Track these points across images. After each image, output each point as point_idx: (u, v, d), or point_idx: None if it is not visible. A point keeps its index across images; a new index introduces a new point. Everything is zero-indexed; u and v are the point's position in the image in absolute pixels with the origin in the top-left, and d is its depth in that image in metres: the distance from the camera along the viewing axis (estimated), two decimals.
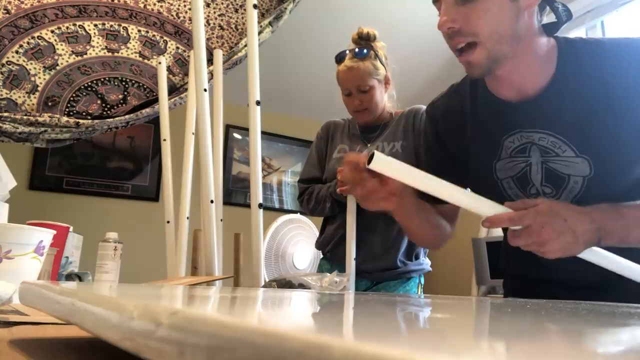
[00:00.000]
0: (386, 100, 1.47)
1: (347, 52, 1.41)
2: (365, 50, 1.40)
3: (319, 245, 1.55)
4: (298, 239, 2.22)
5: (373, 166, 0.71)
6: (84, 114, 1.98)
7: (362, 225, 1.36)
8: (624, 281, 0.80)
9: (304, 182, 1.56)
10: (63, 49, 1.93)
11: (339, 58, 1.43)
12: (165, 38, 2.10)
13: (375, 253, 1.40)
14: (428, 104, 1.03)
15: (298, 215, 2.37)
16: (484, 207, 0.75)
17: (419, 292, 1.49)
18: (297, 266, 2.14)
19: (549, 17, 0.85)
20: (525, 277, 0.97)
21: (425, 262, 1.47)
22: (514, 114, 0.84)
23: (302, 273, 1.11)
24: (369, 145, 1.46)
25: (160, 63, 1.71)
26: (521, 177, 0.86)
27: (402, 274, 1.42)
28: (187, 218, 1.52)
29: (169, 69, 2.08)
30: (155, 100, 2.00)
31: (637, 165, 0.79)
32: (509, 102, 0.84)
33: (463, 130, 0.93)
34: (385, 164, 0.72)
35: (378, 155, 0.71)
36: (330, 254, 1.49)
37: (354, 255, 1.39)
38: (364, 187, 0.82)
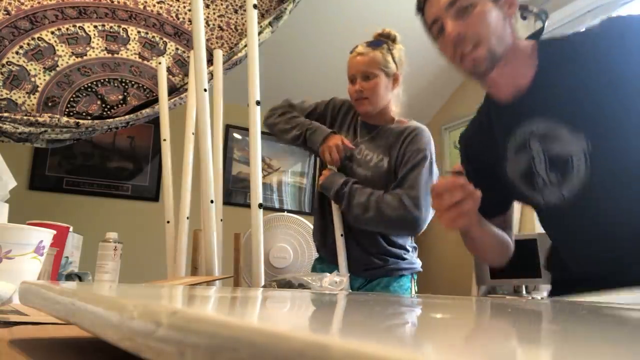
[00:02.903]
0: (391, 99, 1.44)
1: (364, 42, 1.42)
2: (379, 42, 1.41)
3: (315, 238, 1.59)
4: (281, 237, 2.20)
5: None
6: (84, 114, 1.98)
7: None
8: None
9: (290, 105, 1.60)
10: (63, 50, 1.93)
11: (353, 48, 1.43)
12: (164, 39, 2.10)
13: (356, 256, 1.42)
14: (461, 133, 1.10)
15: (287, 214, 2.34)
16: None
17: (413, 291, 1.49)
18: (275, 265, 2.12)
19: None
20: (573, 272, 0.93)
21: (417, 262, 1.47)
22: (510, 112, 0.91)
23: (302, 273, 1.11)
24: (360, 143, 1.46)
25: (160, 63, 1.71)
26: (527, 172, 0.89)
27: (395, 271, 1.42)
28: (187, 218, 1.52)
29: (168, 69, 2.08)
30: (155, 100, 2.00)
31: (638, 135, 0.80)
32: (504, 103, 0.92)
33: (484, 148, 0.99)
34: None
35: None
36: (323, 249, 1.51)
37: (343, 255, 1.41)
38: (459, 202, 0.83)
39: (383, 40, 1.41)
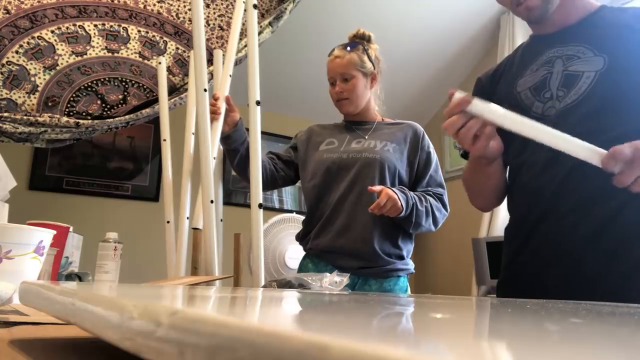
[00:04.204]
0: (371, 97, 1.51)
1: (339, 45, 1.49)
2: (354, 44, 1.48)
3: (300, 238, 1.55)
4: (291, 238, 2.21)
5: (473, 108, 0.77)
6: (84, 114, 1.98)
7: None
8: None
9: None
10: (63, 49, 1.93)
11: (330, 51, 1.50)
12: (165, 38, 2.10)
13: (354, 244, 1.39)
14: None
15: (293, 215, 2.36)
16: (581, 149, 0.74)
17: (409, 291, 1.50)
18: (289, 265, 2.12)
19: None
20: (523, 252, 0.97)
21: (410, 264, 1.47)
22: (546, 41, 0.99)
23: (302, 273, 1.11)
24: (357, 137, 1.48)
25: (160, 63, 1.71)
26: (539, 84, 0.95)
27: (392, 272, 1.41)
28: (187, 218, 1.52)
29: (168, 69, 2.08)
30: (155, 100, 2.00)
31: None
32: (548, 34, 0.99)
33: (501, 77, 1.05)
34: (484, 107, 0.78)
35: (476, 101, 0.77)
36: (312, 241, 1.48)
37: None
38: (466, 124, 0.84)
39: (358, 42, 1.49)
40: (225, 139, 1.40)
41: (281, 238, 2.19)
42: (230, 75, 1.51)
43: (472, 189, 1.08)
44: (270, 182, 1.53)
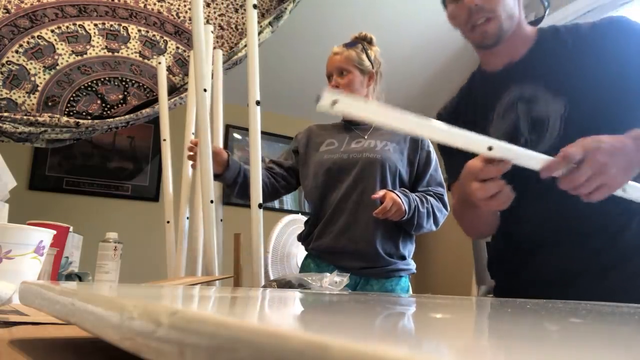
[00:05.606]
0: (369, 96, 1.52)
1: (340, 44, 1.51)
2: (354, 43, 1.50)
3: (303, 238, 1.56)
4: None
5: (338, 108, 0.57)
6: (84, 114, 1.98)
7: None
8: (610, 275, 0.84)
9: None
10: (63, 49, 1.93)
11: (331, 50, 1.52)
12: (165, 38, 2.10)
13: (356, 244, 1.39)
14: (440, 108, 1.13)
15: (300, 216, 2.36)
16: (523, 157, 0.70)
17: (410, 291, 1.50)
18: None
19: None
20: (516, 278, 0.97)
21: (412, 264, 1.47)
22: (499, 79, 0.97)
23: (303, 273, 1.11)
24: (357, 137, 1.48)
25: (160, 63, 1.71)
26: (511, 132, 0.93)
27: (394, 272, 1.42)
28: (187, 218, 1.52)
29: (169, 69, 2.08)
30: (155, 100, 2.00)
31: (613, 105, 0.85)
32: (497, 71, 0.98)
33: (463, 119, 1.01)
34: (350, 104, 0.59)
35: (333, 95, 0.56)
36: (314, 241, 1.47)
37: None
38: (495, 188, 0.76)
39: (358, 42, 1.51)
40: (217, 177, 1.40)
41: (294, 239, 2.17)
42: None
43: (464, 224, 1.04)
44: (272, 194, 1.54)
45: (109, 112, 2.02)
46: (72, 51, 1.95)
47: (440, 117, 1.09)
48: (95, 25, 1.98)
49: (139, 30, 2.05)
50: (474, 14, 0.91)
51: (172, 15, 2.09)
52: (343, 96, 0.57)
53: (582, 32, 0.92)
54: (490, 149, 0.68)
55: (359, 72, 1.47)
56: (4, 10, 1.82)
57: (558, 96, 0.89)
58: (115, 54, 2.02)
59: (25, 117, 1.81)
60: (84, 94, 1.98)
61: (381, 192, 1.32)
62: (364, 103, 0.62)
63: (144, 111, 2.02)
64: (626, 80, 0.85)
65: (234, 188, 1.43)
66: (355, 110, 0.60)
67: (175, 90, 2.11)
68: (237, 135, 3.37)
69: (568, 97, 0.88)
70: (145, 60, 2.07)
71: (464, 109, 1.05)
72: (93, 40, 1.98)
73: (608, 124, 0.82)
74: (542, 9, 1.02)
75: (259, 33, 1.87)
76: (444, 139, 0.66)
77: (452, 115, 1.06)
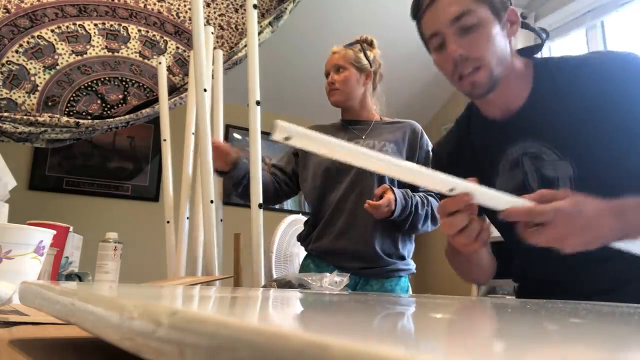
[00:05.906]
0: (368, 96, 1.52)
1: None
2: (353, 43, 1.52)
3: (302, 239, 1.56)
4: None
5: (292, 143, 0.53)
6: (84, 113, 1.98)
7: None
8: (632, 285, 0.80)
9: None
10: (63, 49, 1.93)
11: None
12: (165, 38, 2.10)
13: (355, 245, 1.39)
14: (435, 143, 1.08)
15: (302, 216, 2.35)
16: (494, 200, 0.69)
17: (410, 291, 1.50)
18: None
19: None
20: (534, 280, 0.96)
21: (412, 264, 1.47)
22: (501, 131, 0.90)
23: (303, 273, 1.11)
24: (355, 138, 1.48)
25: (160, 63, 1.71)
26: (520, 189, 0.86)
27: (393, 272, 1.42)
28: (187, 218, 1.52)
29: (169, 69, 2.08)
30: (155, 100, 2.00)
31: (622, 163, 0.80)
32: (497, 121, 0.91)
33: (465, 161, 0.97)
34: (307, 139, 0.55)
35: (286, 130, 0.51)
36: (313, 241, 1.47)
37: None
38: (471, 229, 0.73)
39: (358, 43, 1.52)
40: (221, 173, 1.40)
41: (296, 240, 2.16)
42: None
43: (459, 270, 1.01)
44: (274, 200, 1.55)
45: (109, 112, 2.02)
46: (72, 51, 1.95)
47: (436, 155, 1.05)
48: (95, 25, 1.98)
49: (139, 30, 2.05)
50: (459, 65, 0.83)
51: (172, 15, 2.09)
52: (297, 131, 0.52)
53: (576, 69, 0.85)
54: (451, 190, 0.66)
55: (356, 70, 1.48)
56: (4, 10, 1.82)
57: (564, 158, 0.83)
58: (115, 54, 2.02)
59: (25, 117, 1.81)
60: (84, 94, 1.98)
61: (381, 189, 1.32)
62: (322, 138, 0.57)
63: (144, 111, 2.02)
64: (633, 125, 0.80)
65: (237, 188, 1.44)
66: (312, 147, 0.56)
67: (175, 90, 2.11)
68: (237, 135, 3.37)
69: (575, 159, 0.82)
70: (145, 60, 2.07)
71: (464, 152, 0.98)
72: (93, 40, 1.98)
73: (620, 179, 0.79)
74: (539, 39, 0.93)
75: (259, 33, 1.87)
76: (405, 176, 0.63)
77: (449, 158, 1.01)
